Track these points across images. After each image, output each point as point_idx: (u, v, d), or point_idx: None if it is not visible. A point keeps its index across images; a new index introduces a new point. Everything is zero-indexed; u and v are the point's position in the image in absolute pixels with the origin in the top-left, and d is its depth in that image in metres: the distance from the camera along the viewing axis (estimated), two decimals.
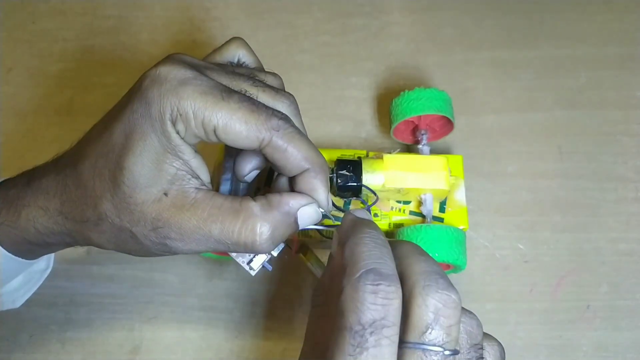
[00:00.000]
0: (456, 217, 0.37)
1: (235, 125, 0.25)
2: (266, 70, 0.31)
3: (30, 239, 0.30)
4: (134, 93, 0.26)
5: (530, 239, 0.41)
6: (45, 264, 0.39)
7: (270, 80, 0.30)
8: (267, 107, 0.26)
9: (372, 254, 0.23)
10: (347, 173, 0.34)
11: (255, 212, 0.26)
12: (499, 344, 0.26)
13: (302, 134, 0.27)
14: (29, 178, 0.30)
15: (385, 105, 0.44)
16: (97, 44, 0.48)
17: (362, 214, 0.27)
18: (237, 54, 0.31)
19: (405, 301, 0.22)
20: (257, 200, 0.27)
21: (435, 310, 0.22)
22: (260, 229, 0.26)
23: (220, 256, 0.38)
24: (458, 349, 0.23)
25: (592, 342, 0.38)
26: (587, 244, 0.40)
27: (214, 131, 0.25)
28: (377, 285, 0.21)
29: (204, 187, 0.27)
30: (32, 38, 0.48)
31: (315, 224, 0.28)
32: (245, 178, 0.29)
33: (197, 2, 0.49)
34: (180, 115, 0.25)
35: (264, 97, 0.27)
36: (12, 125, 0.45)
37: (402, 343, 0.22)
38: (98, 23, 0.49)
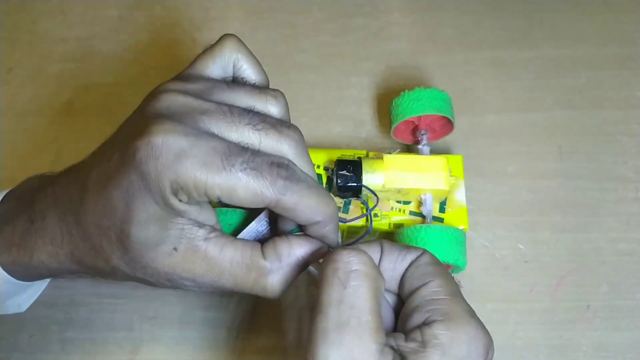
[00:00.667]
0: (456, 217, 0.37)
1: (240, 193, 0.24)
2: (266, 80, 0.30)
3: (44, 275, 0.31)
4: (128, 162, 0.24)
5: (530, 239, 0.41)
6: None
7: (272, 106, 0.27)
8: (271, 166, 0.25)
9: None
10: (347, 173, 0.34)
11: (267, 272, 0.27)
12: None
13: (310, 187, 0.26)
14: (29, 215, 0.29)
15: (385, 105, 0.44)
16: (97, 44, 0.48)
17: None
18: (232, 59, 0.29)
19: None
20: (267, 256, 0.27)
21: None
22: (272, 286, 0.27)
23: None
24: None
25: (592, 342, 0.38)
26: (587, 244, 0.40)
27: (218, 198, 0.24)
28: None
29: (212, 235, 0.27)
30: (32, 38, 0.48)
31: None
32: None
33: (197, 2, 0.49)
34: (182, 188, 0.24)
35: (268, 142, 0.26)
36: (12, 125, 0.45)
37: None
38: (98, 23, 0.49)
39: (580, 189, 0.42)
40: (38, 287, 0.37)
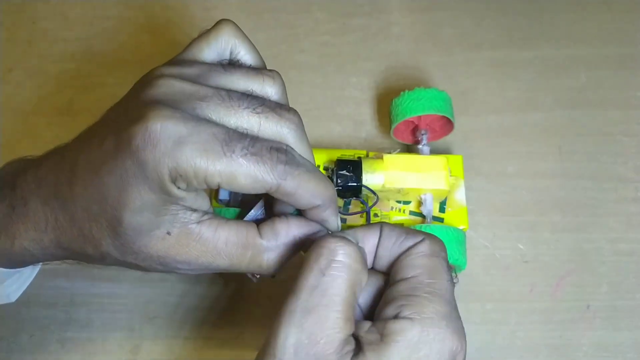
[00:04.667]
0: (456, 217, 0.37)
1: (240, 179, 0.24)
2: (262, 63, 0.30)
3: (27, 261, 0.30)
4: (123, 148, 0.23)
5: (530, 239, 0.41)
6: None
7: (269, 87, 0.27)
8: (271, 152, 0.24)
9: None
10: (347, 173, 0.34)
11: (263, 249, 0.26)
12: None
13: (310, 171, 0.26)
14: (10, 201, 0.28)
15: (385, 105, 0.44)
16: (97, 44, 0.48)
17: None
18: (229, 44, 0.28)
19: None
20: (264, 234, 0.27)
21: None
22: (267, 263, 0.27)
23: None
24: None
25: (592, 342, 0.38)
26: (587, 244, 0.40)
27: (218, 184, 0.24)
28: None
29: (205, 218, 0.26)
30: (32, 38, 0.48)
31: None
32: None
33: (197, 2, 0.49)
34: (181, 175, 0.23)
35: (267, 126, 0.25)
36: (12, 125, 0.45)
37: None
38: (98, 23, 0.49)
39: (580, 189, 0.42)
40: (27, 278, 0.36)
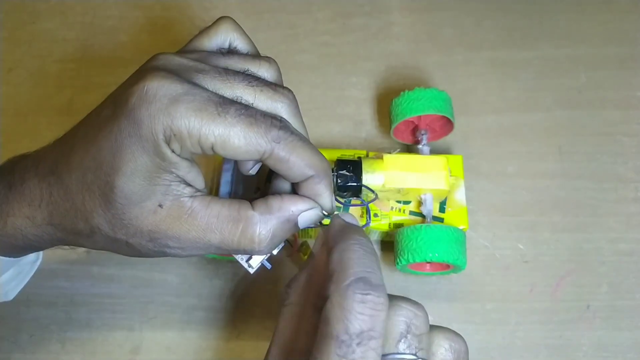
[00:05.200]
0: (456, 217, 0.37)
1: (234, 141, 0.24)
2: (260, 55, 0.30)
3: (18, 244, 0.29)
4: (120, 109, 0.24)
5: (530, 239, 0.41)
6: (35, 255, 0.37)
7: (265, 70, 0.28)
8: (265, 116, 0.25)
9: (362, 262, 0.22)
10: (347, 173, 0.34)
11: (255, 221, 0.26)
12: None
13: (303, 140, 0.26)
14: (9, 181, 0.28)
15: (385, 105, 0.44)
16: (97, 44, 0.48)
17: (350, 219, 0.26)
18: (227, 37, 0.29)
19: None
20: (256, 207, 0.26)
21: (407, 318, 0.22)
22: (259, 236, 0.26)
23: (222, 256, 0.38)
24: (428, 359, 0.23)
25: (592, 342, 0.38)
26: (587, 244, 0.40)
27: (212, 147, 0.24)
28: (366, 295, 0.21)
29: (198, 194, 0.26)
30: (32, 38, 0.48)
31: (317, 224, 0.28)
32: (250, 172, 0.28)
33: (197, 2, 0.49)
34: (175, 135, 0.24)
35: (262, 99, 0.26)
36: (12, 125, 0.45)
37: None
38: (98, 23, 0.49)
39: (580, 189, 0.42)
40: (24, 276, 0.36)
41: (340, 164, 0.35)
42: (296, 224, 0.27)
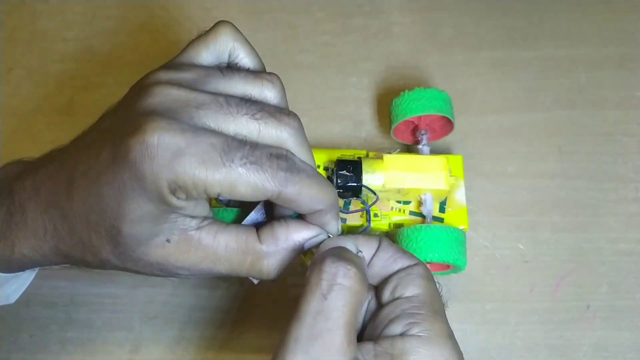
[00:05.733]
0: (456, 217, 0.37)
1: (241, 189, 0.24)
2: (262, 66, 0.29)
3: (27, 267, 0.30)
4: (121, 161, 0.23)
5: (530, 239, 0.41)
6: None
7: (268, 91, 0.27)
8: (271, 159, 0.24)
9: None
10: (347, 173, 0.34)
11: (262, 255, 0.26)
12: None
13: (310, 176, 0.25)
14: (7, 207, 0.27)
15: (385, 105, 0.44)
16: (97, 44, 0.48)
17: (342, 242, 0.26)
18: (227, 47, 0.28)
19: None
20: (263, 239, 0.27)
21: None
22: (267, 268, 0.27)
23: None
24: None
25: (592, 342, 0.38)
26: (587, 244, 0.40)
27: (218, 195, 0.24)
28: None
29: (205, 223, 0.26)
30: (32, 38, 0.48)
31: None
32: None
33: (197, 2, 0.49)
34: (180, 187, 0.23)
35: (267, 131, 0.25)
36: (12, 125, 0.45)
37: None
38: (98, 23, 0.49)
39: (580, 189, 0.42)
40: (26, 279, 0.36)
41: (340, 164, 0.35)
42: (302, 249, 0.27)
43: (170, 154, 0.23)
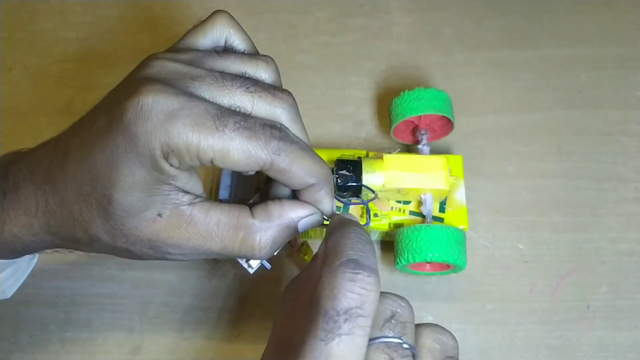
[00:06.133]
0: (456, 217, 0.37)
1: (233, 155, 0.24)
2: (258, 54, 0.29)
3: (16, 249, 0.29)
4: (115, 124, 0.23)
5: (530, 239, 0.41)
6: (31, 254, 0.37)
7: (263, 71, 0.27)
8: (264, 127, 0.24)
9: (356, 247, 0.22)
10: (347, 173, 0.34)
11: (255, 229, 0.26)
12: None
13: (304, 149, 0.25)
14: (2, 187, 0.28)
15: (385, 105, 0.44)
16: (97, 44, 0.48)
17: (349, 216, 0.26)
18: (223, 33, 0.28)
19: None
20: (256, 215, 0.26)
21: (392, 307, 0.23)
22: (259, 244, 0.26)
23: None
24: (414, 346, 0.23)
25: (592, 342, 0.38)
26: (587, 244, 0.40)
27: (211, 161, 0.24)
28: (357, 274, 0.21)
29: (197, 200, 0.26)
30: (32, 38, 0.48)
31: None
32: (249, 172, 0.28)
33: (197, 2, 0.49)
34: (173, 151, 0.23)
35: (261, 105, 0.25)
36: (12, 125, 0.45)
37: None
38: (98, 23, 0.49)
39: (580, 189, 0.42)
40: (22, 273, 0.36)
41: (340, 164, 0.35)
42: (296, 229, 0.27)
43: (164, 115, 0.23)
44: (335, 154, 0.37)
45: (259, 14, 0.49)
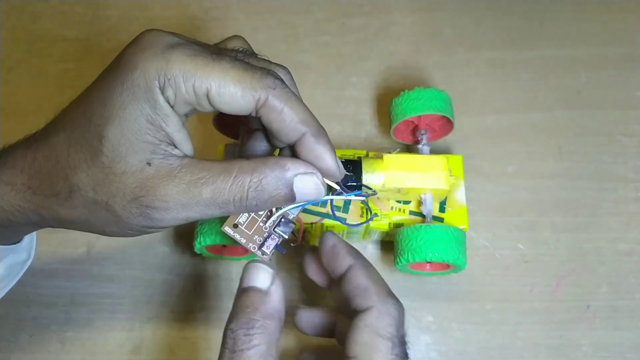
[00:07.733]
0: (456, 217, 0.37)
1: (230, 86, 0.24)
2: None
3: None
4: (115, 61, 0.25)
5: (530, 239, 0.41)
6: (26, 254, 0.37)
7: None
8: (260, 63, 0.25)
9: (382, 281, 0.30)
10: (347, 173, 0.34)
11: (249, 169, 0.25)
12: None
13: (297, 95, 0.26)
14: None
15: (385, 105, 0.44)
16: (97, 44, 0.48)
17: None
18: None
19: None
20: (252, 159, 0.25)
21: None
22: (250, 183, 0.25)
23: (221, 256, 0.38)
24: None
25: (592, 342, 0.38)
26: (587, 244, 0.40)
27: (207, 95, 0.24)
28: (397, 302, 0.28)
29: (187, 158, 0.25)
30: (32, 38, 0.48)
31: (317, 200, 0.26)
32: (243, 113, 0.27)
33: (197, 2, 0.49)
34: (169, 80, 0.23)
35: (257, 64, 0.26)
36: (12, 125, 0.45)
37: None
38: (98, 23, 0.49)
39: (580, 189, 0.42)
40: (14, 276, 0.35)
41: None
42: (292, 190, 0.25)
43: (164, 45, 0.24)
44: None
45: (259, 14, 0.49)
